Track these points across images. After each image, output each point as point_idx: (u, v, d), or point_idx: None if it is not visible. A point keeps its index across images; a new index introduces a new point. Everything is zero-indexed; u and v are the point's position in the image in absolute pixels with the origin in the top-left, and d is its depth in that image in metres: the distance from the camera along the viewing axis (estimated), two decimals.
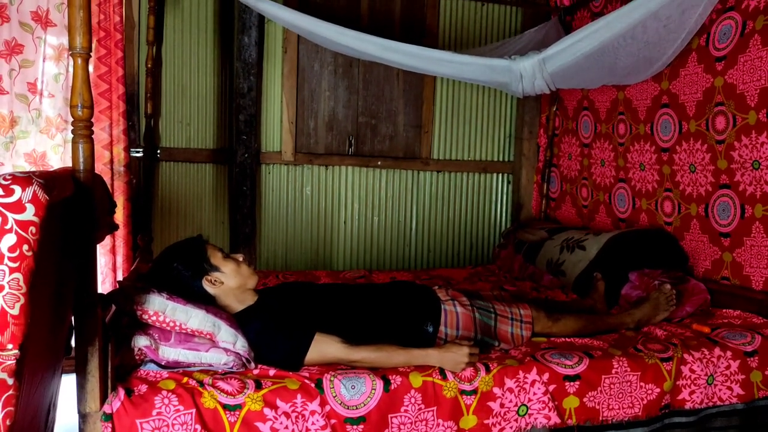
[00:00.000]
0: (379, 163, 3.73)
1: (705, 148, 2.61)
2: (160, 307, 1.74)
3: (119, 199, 3.11)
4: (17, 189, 1.05)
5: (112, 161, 3.11)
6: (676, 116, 2.78)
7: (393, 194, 3.81)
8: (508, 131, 3.99)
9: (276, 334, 1.87)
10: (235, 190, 3.39)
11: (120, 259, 3.16)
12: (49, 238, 1.18)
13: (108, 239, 3.09)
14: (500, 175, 4.01)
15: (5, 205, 1.03)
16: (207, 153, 3.46)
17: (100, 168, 3.04)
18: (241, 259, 2.04)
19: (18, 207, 1.05)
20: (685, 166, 2.73)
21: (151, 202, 3.25)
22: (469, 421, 1.82)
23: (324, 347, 1.84)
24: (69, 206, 1.40)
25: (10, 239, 1.03)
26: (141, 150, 3.24)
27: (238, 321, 1.90)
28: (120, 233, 3.14)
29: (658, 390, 1.97)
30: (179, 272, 1.93)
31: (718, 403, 2.06)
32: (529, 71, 2.64)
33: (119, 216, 3.10)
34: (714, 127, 2.56)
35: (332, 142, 3.68)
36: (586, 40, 2.40)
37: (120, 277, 3.09)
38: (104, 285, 3.06)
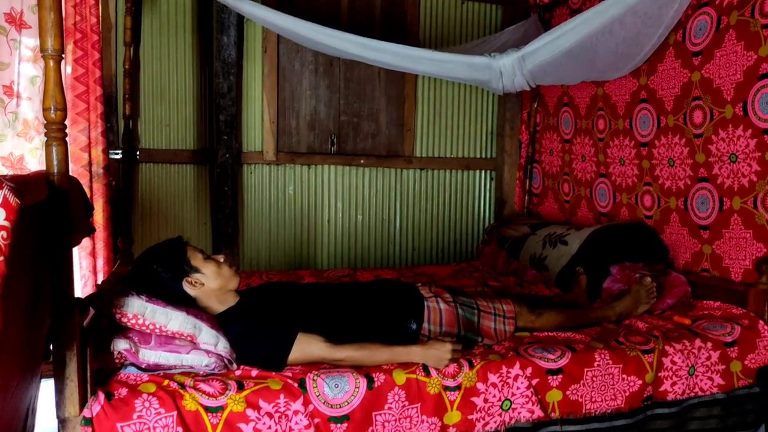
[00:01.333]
0: (361, 161, 3.72)
1: (683, 142, 2.64)
2: (139, 309, 1.72)
3: (98, 202, 3.07)
4: None
5: (90, 163, 3.07)
6: (654, 111, 2.80)
7: (376, 193, 3.80)
8: (490, 128, 4.00)
9: (258, 334, 1.86)
10: (216, 191, 3.36)
11: (101, 262, 3.12)
12: (22, 243, 1.16)
13: (88, 242, 3.05)
14: (483, 171, 4.02)
15: None
16: (187, 154, 3.44)
17: (79, 170, 3.00)
18: (222, 260, 2.03)
19: None
20: (663, 160, 2.76)
21: (131, 204, 3.22)
22: (453, 416, 1.82)
23: (307, 347, 1.84)
24: (43, 210, 1.38)
25: None
26: (120, 152, 3.20)
27: (220, 322, 1.88)
28: (100, 236, 3.11)
29: (640, 382, 1.99)
30: (159, 274, 1.92)
31: (700, 393, 2.09)
32: (508, 68, 2.65)
33: (99, 219, 3.07)
34: (692, 121, 2.59)
35: (314, 141, 3.67)
36: (564, 37, 2.41)
37: (100, 280, 3.06)
38: (85, 288, 3.02)
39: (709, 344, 2.10)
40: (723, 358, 2.11)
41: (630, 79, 2.94)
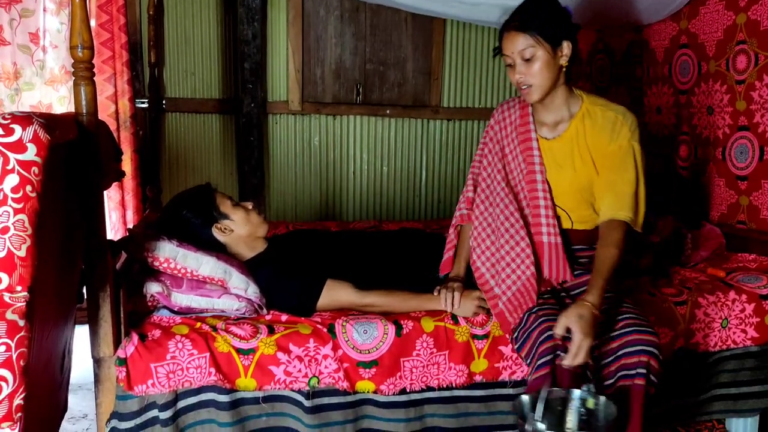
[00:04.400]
0: (387, 111, 3.66)
1: (724, 89, 2.53)
2: (171, 254, 1.73)
3: (126, 151, 3.09)
4: (17, 128, 1.02)
5: (117, 112, 3.07)
6: (695, 57, 2.68)
7: (402, 143, 3.75)
8: None
9: (288, 280, 1.86)
10: (242, 141, 3.35)
11: (130, 213, 3.15)
12: (53, 181, 1.16)
13: (117, 192, 3.08)
14: None
15: (6, 145, 1.01)
16: (213, 103, 3.41)
17: (105, 119, 3.00)
18: (250, 207, 2.03)
19: (19, 147, 1.02)
20: (702, 109, 2.66)
21: (158, 154, 3.22)
22: (480, 364, 1.82)
23: (336, 292, 1.84)
24: (73, 150, 1.37)
25: (13, 180, 1.01)
26: (146, 101, 3.19)
27: (249, 268, 1.89)
28: (128, 186, 3.13)
29: (671, 333, 1.96)
30: (189, 220, 1.92)
31: (732, 346, 2.05)
32: None
33: (127, 168, 3.08)
34: (734, 66, 2.48)
35: (340, 91, 3.61)
36: None
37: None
38: (116, 239, 3.06)
39: (744, 296, 2.06)
40: (758, 310, 2.06)
41: (670, 24, 2.81)
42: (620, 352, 1.58)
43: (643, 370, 1.54)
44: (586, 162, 1.76)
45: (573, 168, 1.77)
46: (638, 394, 1.54)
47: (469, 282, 1.92)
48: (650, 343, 1.57)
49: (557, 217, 1.79)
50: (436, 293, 1.87)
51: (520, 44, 1.66)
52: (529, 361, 1.64)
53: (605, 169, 1.72)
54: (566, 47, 1.69)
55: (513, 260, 1.77)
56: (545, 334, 1.60)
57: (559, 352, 1.56)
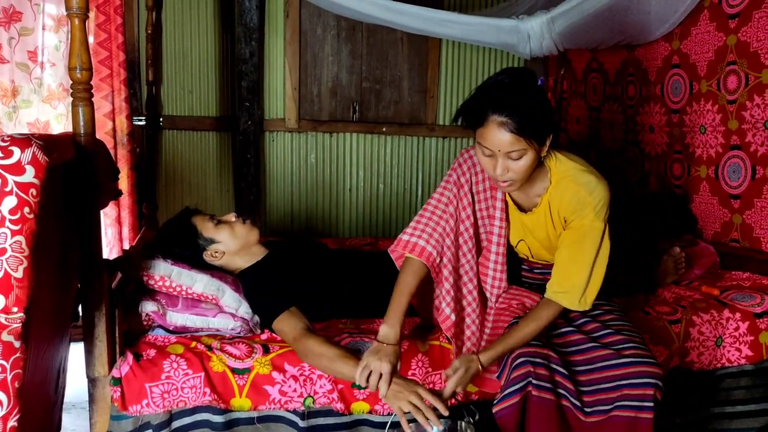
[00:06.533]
0: (383, 129, 3.68)
1: (716, 108, 2.56)
2: (165, 272, 1.74)
3: (123, 168, 3.09)
4: (16, 150, 1.03)
5: (114, 130, 3.08)
6: (686, 76, 2.72)
7: (398, 161, 3.77)
8: None
9: (260, 295, 1.84)
10: (239, 158, 3.36)
11: (126, 230, 3.15)
12: (50, 202, 1.17)
13: (113, 210, 3.08)
14: None
15: (5, 167, 1.02)
16: (210, 121, 3.43)
17: (103, 137, 3.01)
18: (233, 218, 2.01)
19: (17, 169, 1.03)
20: (695, 128, 2.69)
21: (155, 171, 3.23)
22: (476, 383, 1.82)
23: (283, 324, 1.73)
24: (71, 170, 1.38)
25: (11, 201, 1.02)
26: (143, 118, 3.20)
27: (241, 279, 1.90)
28: (125, 203, 3.13)
29: (666, 352, 1.96)
30: (180, 254, 1.90)
31: (727, 364, 2.06)
32: (537, 31, 2.59)
33: (124, 186, 3.09)
34: (725, 86, 2.51)
35: (336, 109, 3.63)
36: None
37: (127, 248, 3.09)
38: (111, 255, 3.06)
39: (738, 315, 2.07)
40: (752, 329, 2.07)
41: (662, 44, 2.85)
42: (624, 382, 1.54)
43: (650, 404, 1.52)
44: (559, 231, 1.72)
45: (548, 237, 1.74)
46: (647, 428, 1.51)
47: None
48: (656, 376, 1.53)
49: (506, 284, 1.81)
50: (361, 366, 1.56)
51: (509, 145, 1.51)
52: (503, 389, 1.60)
53: (563, 244, 1.66)
54: (549, 138, 1.59)
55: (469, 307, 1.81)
56: (517, 361, 1.57)
57: (530, 379, 1.54)
